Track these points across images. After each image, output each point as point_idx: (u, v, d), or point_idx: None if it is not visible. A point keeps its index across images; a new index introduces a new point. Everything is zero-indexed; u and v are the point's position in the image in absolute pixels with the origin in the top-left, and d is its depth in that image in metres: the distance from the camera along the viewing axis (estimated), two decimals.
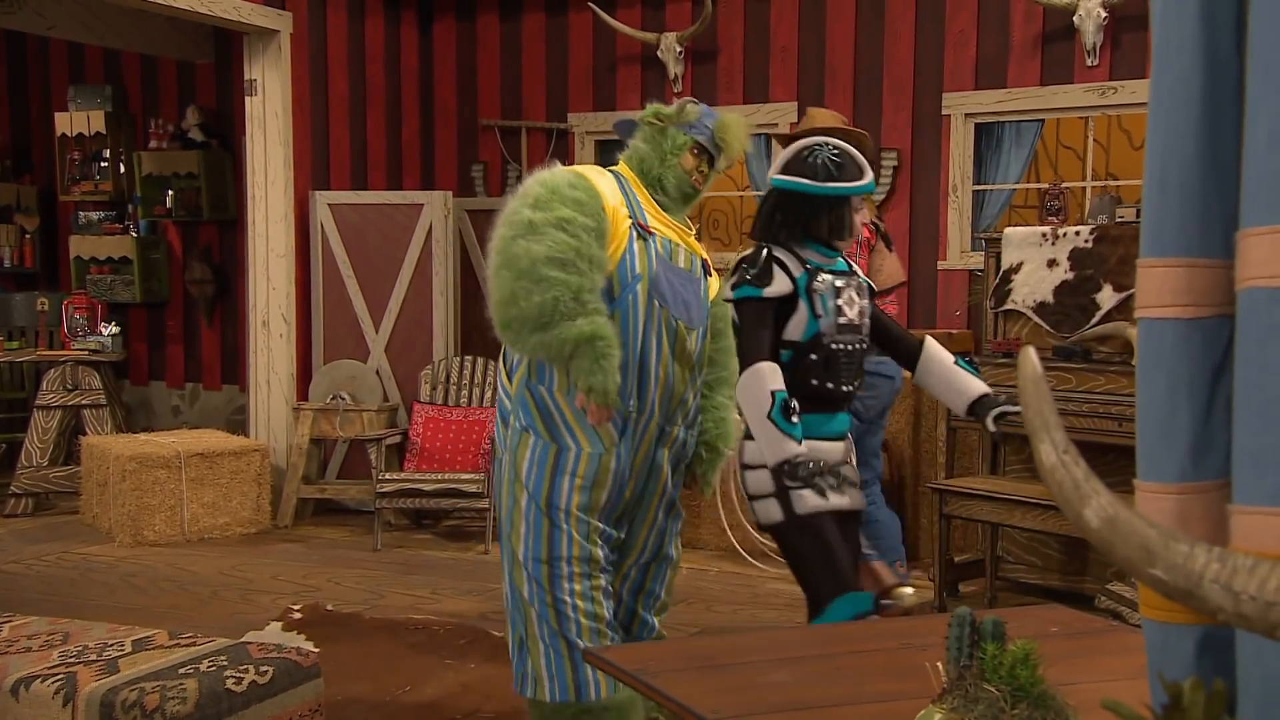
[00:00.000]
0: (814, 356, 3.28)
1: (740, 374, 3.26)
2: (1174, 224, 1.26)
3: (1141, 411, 1.29)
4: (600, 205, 2.98)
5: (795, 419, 3.17)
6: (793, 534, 3.26)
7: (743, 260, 3.35)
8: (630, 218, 3.08)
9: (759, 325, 3.27)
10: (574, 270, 2.86)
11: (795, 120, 6.55)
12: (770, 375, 3.19)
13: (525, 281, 2.83)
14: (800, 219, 3.33)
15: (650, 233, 3.12)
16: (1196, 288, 1.25)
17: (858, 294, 3.39)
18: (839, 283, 3.33)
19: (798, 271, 3.29)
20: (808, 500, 3.20)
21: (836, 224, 3.35)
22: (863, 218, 4.63)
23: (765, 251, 3.32)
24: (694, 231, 3.34)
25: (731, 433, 3.34)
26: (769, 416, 3.15)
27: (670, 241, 3.17)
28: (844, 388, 3.34)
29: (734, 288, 3.31)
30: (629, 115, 3.39)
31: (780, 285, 3.27)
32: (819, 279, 3.29)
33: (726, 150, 3.21)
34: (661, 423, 3.17)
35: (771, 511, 3.25)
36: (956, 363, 3.52)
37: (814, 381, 3.29)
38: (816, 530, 3.22)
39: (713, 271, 3.34)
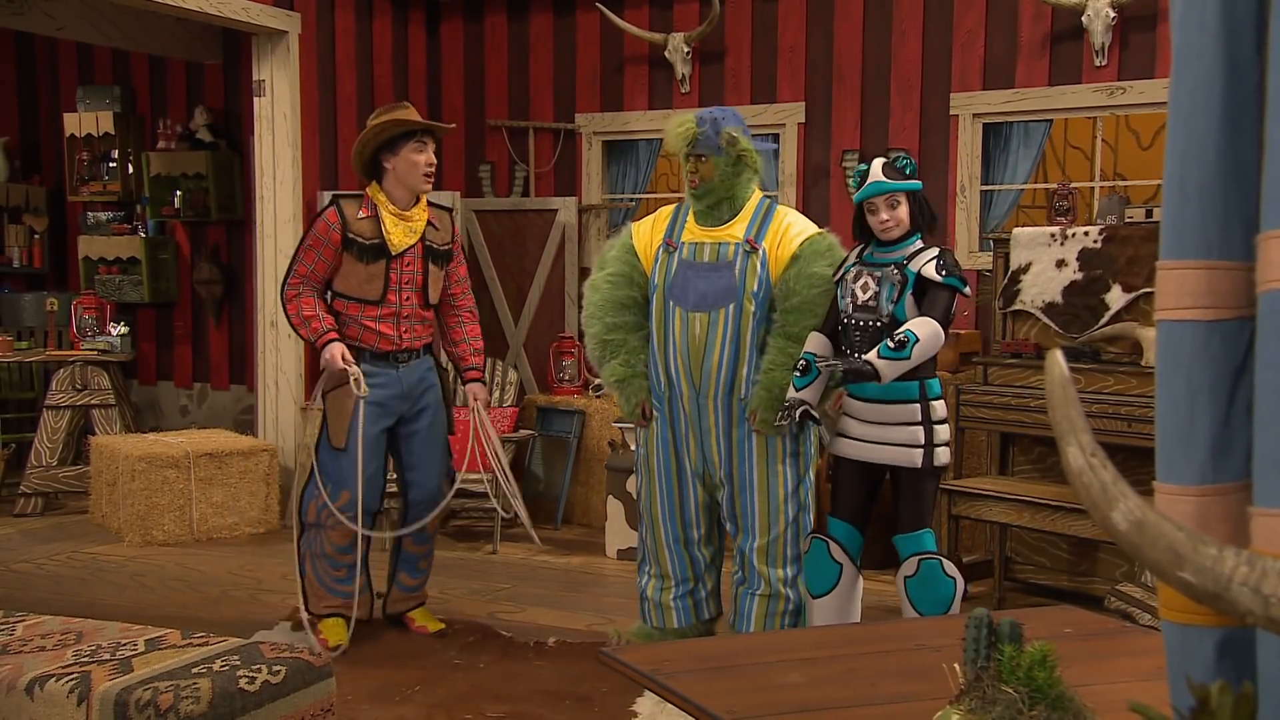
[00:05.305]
0: None
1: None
2: (1194, 226, 1.26)
3: (1161, 414, 1.29)
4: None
5: None
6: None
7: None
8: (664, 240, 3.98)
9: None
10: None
11: (803, 120, 6.56)
12: None
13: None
14: None
15: (674, 246, 3.94)
16: (1216, 290, 1.25)
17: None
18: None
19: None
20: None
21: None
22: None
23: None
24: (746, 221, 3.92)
25: (776, 378, 3.82)
26: None
27: (696, 244, 3.93)
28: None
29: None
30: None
31: None
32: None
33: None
34: (693, 393, 3.93)
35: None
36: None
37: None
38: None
39: (758, 248, 3.88)
